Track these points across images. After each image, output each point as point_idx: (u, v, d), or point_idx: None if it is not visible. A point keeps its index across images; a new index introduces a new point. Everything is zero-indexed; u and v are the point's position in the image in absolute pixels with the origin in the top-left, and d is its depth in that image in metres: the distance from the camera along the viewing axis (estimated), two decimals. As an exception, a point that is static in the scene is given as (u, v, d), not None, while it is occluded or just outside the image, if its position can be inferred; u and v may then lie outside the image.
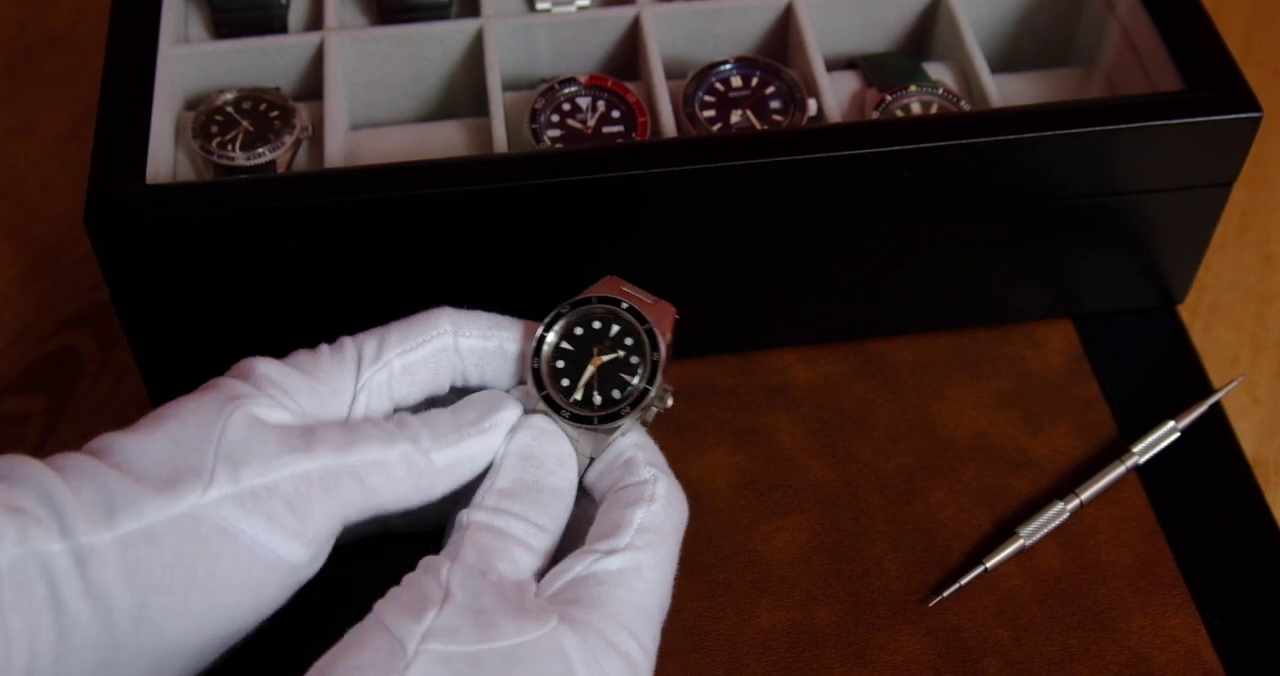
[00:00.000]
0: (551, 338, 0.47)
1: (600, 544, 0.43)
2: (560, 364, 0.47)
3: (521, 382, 0.48)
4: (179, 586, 0.41)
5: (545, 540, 0.44)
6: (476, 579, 0.41)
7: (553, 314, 0.47)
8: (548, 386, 0.47)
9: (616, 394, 0.46)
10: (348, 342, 0.47)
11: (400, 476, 0.44)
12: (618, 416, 0.46)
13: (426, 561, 0.42)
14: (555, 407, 0.46)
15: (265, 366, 0.46)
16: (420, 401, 0.48)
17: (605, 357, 0.47)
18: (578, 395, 0.46)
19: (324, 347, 0.47)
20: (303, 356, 0.47)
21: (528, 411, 0.47)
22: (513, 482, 0.45)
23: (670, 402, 0.47)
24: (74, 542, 0.40)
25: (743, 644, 0.51)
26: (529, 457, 0.46)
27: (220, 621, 0.42)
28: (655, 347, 0.47)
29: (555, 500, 0.45)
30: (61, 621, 0.40)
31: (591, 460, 0.47)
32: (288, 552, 0.43)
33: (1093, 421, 0.58)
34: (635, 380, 0.46)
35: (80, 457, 0.43)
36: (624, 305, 0.47)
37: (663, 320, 0.47)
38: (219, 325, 0.55)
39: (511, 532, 0.44)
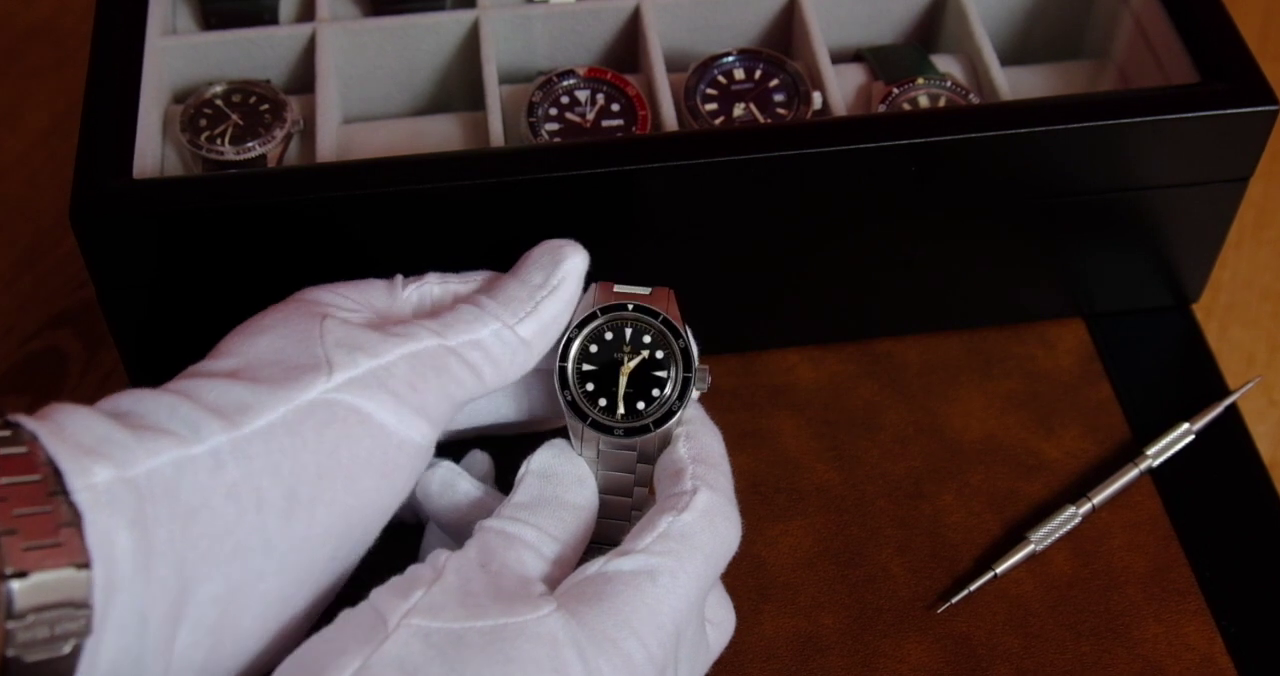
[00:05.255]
0: (574, 362, 0.47)
1: (620, 546, 0.43)
2: (590, 386, 0.47)
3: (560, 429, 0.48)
4: (325, 471, 0.42)
5: (556, 548, 0.44)
6: (473, 567, 0.42)
7: (564, 340, 0.47)
8: (589, 412, 0.46)
9: (656, 392, 0.47)
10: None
11: (496, 353, 0.46)
12: (670, 414, 0.46)
13: (432, 554, 0.42)
14: (605, 430, 0.46)
15: (318, 291, 0.47)
16: None
17: (632, 363, 0.47)
18: (621, 410, 0.47)
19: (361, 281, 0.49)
20: (340, 283, 0.48)
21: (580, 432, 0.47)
22: (530, 497, 0.45)
23: (709, 380, 0.47)
24: (212, 443, 0.40)
25: (746, 652, 0.51)
26: (548, 475, 0.46)
27: (358, 510, 0.43)
28: (679, 336, 0.47)
29: (571, 515, 0.45)
30: (205, 520, 0.40)
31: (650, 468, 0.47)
32: (416, 432, 0.44)
33: (1105, 423, 0.58)
34: (669, 373, 0.47)
35: (188, 380, 0.43)
36: (630, 307, 0.47)
37: (669, 305, 0.48)
38: (208, 324, 0.54)
39: (521, 537, 0.44)
